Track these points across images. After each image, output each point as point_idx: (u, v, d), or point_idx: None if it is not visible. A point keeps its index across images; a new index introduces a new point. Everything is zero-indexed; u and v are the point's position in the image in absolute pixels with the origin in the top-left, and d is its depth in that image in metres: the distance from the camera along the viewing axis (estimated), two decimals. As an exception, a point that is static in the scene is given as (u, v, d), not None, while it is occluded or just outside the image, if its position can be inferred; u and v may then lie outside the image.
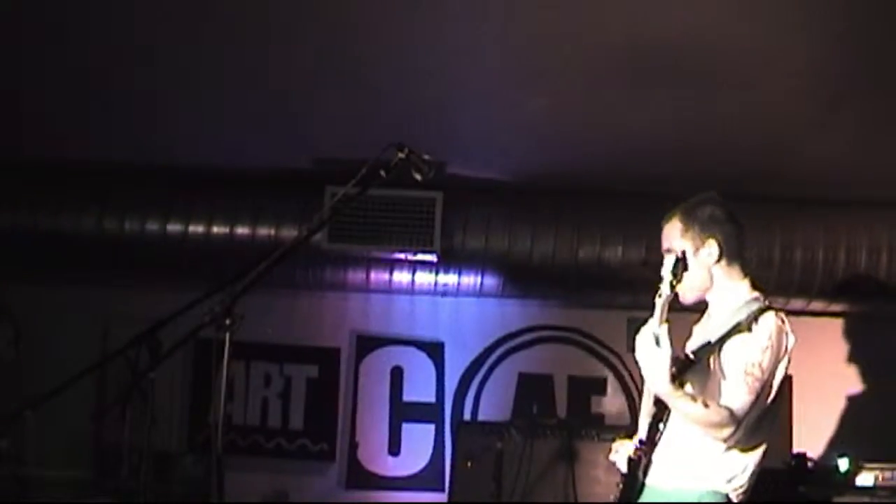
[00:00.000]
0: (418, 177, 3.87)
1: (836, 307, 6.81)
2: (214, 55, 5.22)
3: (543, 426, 6.35)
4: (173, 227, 6.55)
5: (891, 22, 4.62)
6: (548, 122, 5.75)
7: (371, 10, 4.77)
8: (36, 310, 6.70)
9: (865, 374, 6.97)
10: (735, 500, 3.97)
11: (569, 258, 6.47)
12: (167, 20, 4.89)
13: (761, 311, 3.99)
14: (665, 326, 3.78)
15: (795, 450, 6.32)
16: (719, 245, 4.11)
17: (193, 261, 6.58)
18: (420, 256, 6.60)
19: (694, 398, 3.83)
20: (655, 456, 4.00)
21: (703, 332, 4.07)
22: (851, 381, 6.97)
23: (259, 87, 5.52)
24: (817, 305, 6.77)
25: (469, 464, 6.25)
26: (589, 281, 6.52)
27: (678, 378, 3.84)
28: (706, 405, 3.83)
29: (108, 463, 6.40)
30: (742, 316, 3.96)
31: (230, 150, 6.28)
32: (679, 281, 3.81)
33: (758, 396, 3.90)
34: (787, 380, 6.85)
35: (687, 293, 4.10)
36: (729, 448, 3.93)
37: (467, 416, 7.18)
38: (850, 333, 7.00)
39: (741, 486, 3.98)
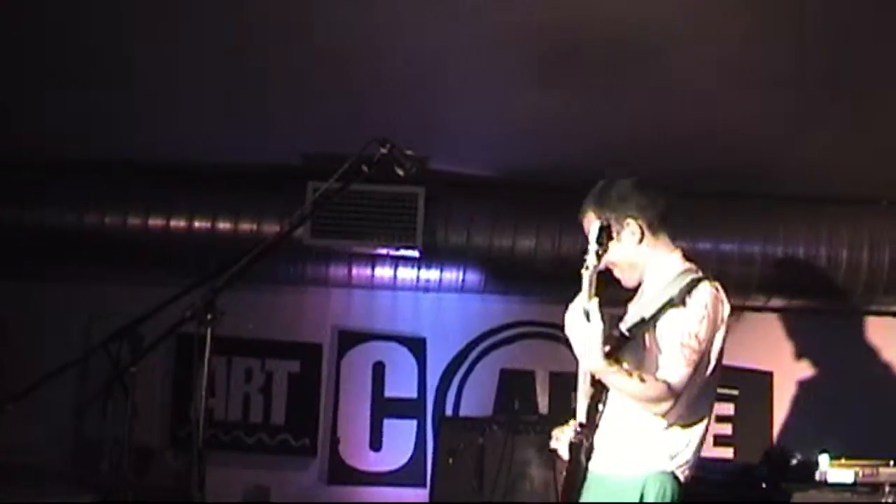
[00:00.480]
0: (401, 172, 3.87)
1: (816, 304, 6.83)
2: (196, 51, 5.21)
3: (525, 422, 6.36)
4: (155, 222, 6.54)
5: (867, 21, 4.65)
6: (530, 119, 5.76)
7: (353, 7, 4.77)
8: (17, 305, 6.71)
9: (846, 371, 7.00)
10: (681, 477, 3.94)
11: (551, 254, 6.48)
12: (148, 17, 4.88)
13: (695, 281, 3.99)
14: (595, 301, 3.76)
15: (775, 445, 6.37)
16: (637, 223, 4.08)
17: (175, 256, 6.57)
18: (402, 252, 6.61)
19: (630, 373, 3.80)
20: (597, 439, 3.95)
21: (637, 309, 4.02)
22: (832, 378, 6.99)
23: (241, 82, 5.51)
24: (798, 303, 6.80)
25: (451, 459, 6.26)
26: (571, 277, 6.51)
27: (614, 355, 3.81)
28: (642, 380, 3.80)
29: (90, 457, 6.40)
30: (675, 289, 3.94)
31: (212, 145, 6.26)
32: (605, 251, 3.78)
33: (696, 368, 3.88)
34: (767, 376, 6.99)
35: (627, 278, 4.10)
36: (670, 425, 3.91)
37: (449, 411, 7.18)
38: (830, 330, 7.03)
39: (685, 463, 3.96)
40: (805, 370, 7.00)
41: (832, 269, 6.53)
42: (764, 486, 5.52)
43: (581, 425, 3.95)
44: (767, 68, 5.18)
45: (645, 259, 4.11)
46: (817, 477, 5.51)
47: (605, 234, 3.81)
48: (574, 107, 5.62)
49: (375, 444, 7.20)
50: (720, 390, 6.83)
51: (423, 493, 6.71)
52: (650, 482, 3.91)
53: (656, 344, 3.91)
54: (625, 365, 3.83)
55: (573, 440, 3.98)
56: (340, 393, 7.25)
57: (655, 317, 3.92)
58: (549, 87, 5.45)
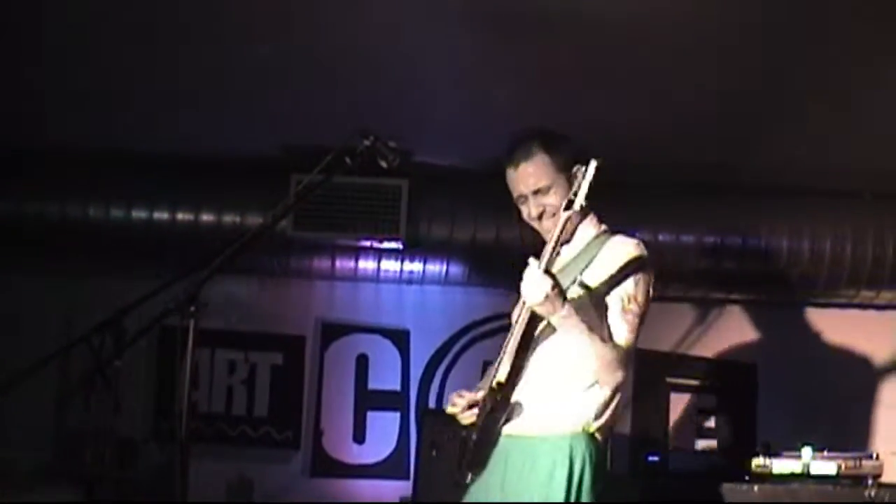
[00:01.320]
0: (384, 164, 3.87)
1: (800, 297, 6.85)
2: (179, 46, 5.21)
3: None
4: (138, 214, 6.52)
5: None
6: (513, 112, 5.75)
7: (336, 1, 4.77)
8: (-2, 297, 6.70)
9: (830, 364, 7.03)
10: (599, 438, 3.93)
11: (534, 246, 6.46)
12: (128, 9, 4.87)
13: (621, 243, 3.97)
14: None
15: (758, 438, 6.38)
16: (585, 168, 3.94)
17: (158, 248, 6.55)
18: (385, 244, 6.61)
19: (591, 328, 3.78)
20: (517, 400, 3.92)
21: (561, 272, 3.94)
22: (816, 371, 7.01)
23: (224, 76, 5.50)
24: (781, 296, 6.82)
25: (434, 452, 6.25)
26: (554, 269, 6.53)
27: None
28: (604, 340, 3.80)
29: (72, 449, 6.38)
30: (602, 251, 3.92)
31: (194, 137, 6.25)
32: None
33: (638, 333, 3.90)
34: (751, 368, 7.00)
35: (548, 227, 3.99)
36: (591, 386, 3.89)
37: (432, 403, 7.17)
38: (814, 323, 7.06)
39: (606, 424, 3.96)
40: (788, 363, 7.02)
41: (815, 262, 6.55)
42: (747, 478, 5.54)
43: (500, 385, 3.92)
44: (747, 60, 5.19)
45: (578, 216, 3.99)
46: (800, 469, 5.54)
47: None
48: (555, 100, 5.62)
49: (359, 436, 7.20)
50: (703, 383, 6.94)
51: (406, 486, 6.70)
52: (575, 443, 3.88)
53: (594, 307, 3.88)
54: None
55: (488, 400, 3.95)
56: (324, 385, 7.25)
57: (589, 279, 3.89)
58: (532, 80, 5.45)
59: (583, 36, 5.02)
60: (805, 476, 5.55)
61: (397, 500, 6.71)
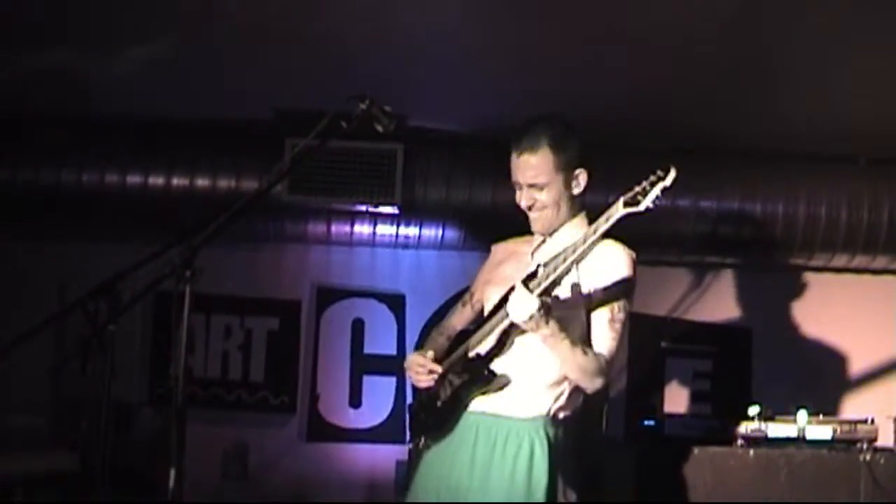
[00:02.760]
0: (379, 129, 3.85)
1: (794, 261, 6.84)
2: (174, 9, 5.18)
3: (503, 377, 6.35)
4: (133, 180, 6.50)
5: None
6: (508, 75, 5.74)
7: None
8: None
9: (825, 329, 7.04)
10: (561, 417, 4.03)
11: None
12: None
13: (615, 248, 4.01)
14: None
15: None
16: (585, 175, 4.09)
17: (153, 213, 6.54)
18: (381, 209, 6.60)
19: (575, 342, 3.86)
20: (490, 380, 4.01)
21: (549, 266, 3.97)
22: (811, 335, 7.03)
23: (219, 39, 5.47)
24: (776, 260, 6.81)
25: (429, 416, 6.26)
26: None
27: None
28: (585, 352, 3.88)
29: (68, 415, 6.39)
30: (595, 255, 3.94)
31: (190, 101, 6.23)
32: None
33: (622, 338, 3.98)
34: (746, 332, 7.01)
35: (543, 224, 4.09)
36: (564, 380, 4.00)
37: (428, 368, 7.17)
38: (809, 287, 7.06)
39: (571, 407, 4.06)
40: (784, 327, 7.03)
41: (811, 227, 6.55)
42: (741, 442, 5.55)
43: (479, 357, 4.03)
44: (746, 26, 5.17)
45: (569, 213, 4.11)
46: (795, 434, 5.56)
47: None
48: (553, 63, 5.60)
49: (355, 400, 7.20)
50: (699, 347, 6.95)
51: (402, 450, 6.70)
52: (547, 426, 3.98)
53: (584, 314, 3.96)
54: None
55: (460, 370, 4.06)
56: (319, 350, 7.24)
57: (580, 283, 3.93)
58: (527, 43, 5.43)
59: (581, 3, 5.00)
60: (800, 440, 5.57)
61: (393, 464, 6.74)
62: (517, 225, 6.49)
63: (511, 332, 3.98)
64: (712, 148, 6.62)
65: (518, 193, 4.10)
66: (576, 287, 3.93)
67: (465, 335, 4.27)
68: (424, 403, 4.20)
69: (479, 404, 4.04)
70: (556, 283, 3.86)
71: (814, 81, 5.69)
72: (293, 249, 7.15)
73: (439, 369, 4.10)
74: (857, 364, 7.01)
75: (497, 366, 4.02)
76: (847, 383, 6.95)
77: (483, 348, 4.04)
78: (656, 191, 3.65)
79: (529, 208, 4.06)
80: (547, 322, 3.78)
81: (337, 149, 6.13)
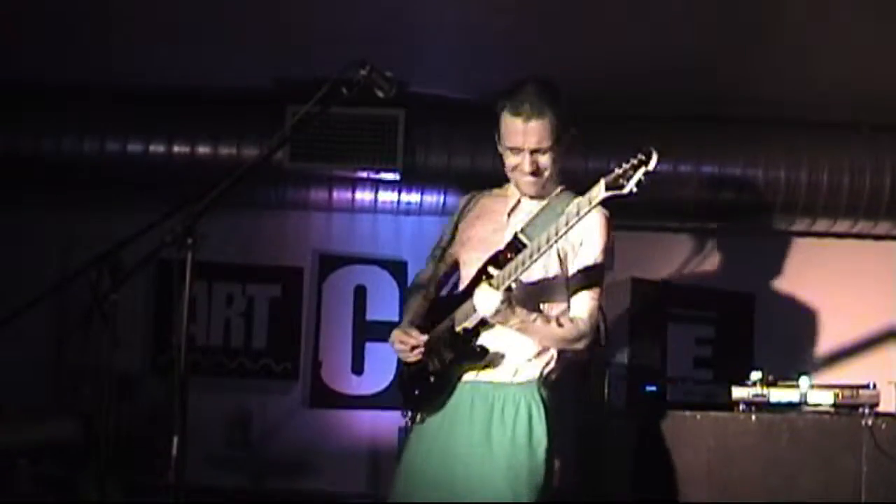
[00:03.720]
0: (380, 95, 3.84)
1: (796, 227, 6.84)
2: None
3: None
4: (133, 147, 6.49)
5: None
6: (511, 41, 5.72)
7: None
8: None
9: (829, 294, 7.04)
10: (553, 379, 4.09)
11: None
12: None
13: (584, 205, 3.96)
14: None
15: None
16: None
17: (154, 181, 6.53)
18: (382, 175, 6.59)
19: (547, 319, 3.93)
20: (479, 350, 4.04)
21: (529, 228, 4.05)
22: (814, 301, 7.03)
23: (218, 6, 5.46)
24: (779, 224, 6.80)
25: (433, 380, 6.26)
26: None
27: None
28: (560, 324, 3.95)
29: (70, 383, 6.40)
30: (568, 212, 3.90)
31: (190, 68, 6.22)
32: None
33: (601, 295, 4.02)
34: (749, 298, 7.01)
35: (537, 188, 4.12)
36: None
37: (430, 334, 7.18)
38: (812, 253, 7.06)
39: (558, 368, 4.10)
40: (786, 293, 7.03)
41: (813, 193, 6.54)
42: (742, 408, 5.56)
43: (466, 331, 4.05)
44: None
45: (557, 176, 4.14)
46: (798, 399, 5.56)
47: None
48: (555, 29, 5.58)
49: (357, 367, 7.21)
50: (701, 313, 6.95)
51: (404, 417, 6.73)
52: (542, 388, 4.05)
53: (562, 274, 4.03)
54: (544, 308, 3.97)
55: (449, 345, 4.09)
56: (322, 317, 7.25)
57: (555, 243, 3.93)
58: (530, 8, 5.41)
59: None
60: (802, 405, 5.57)
61: (396, 431, 6.75)
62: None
63: None
64: (714, 114, 6.60)
65: (515, 159, 4.10)
66: (554, 252, 3.99)
67: (447, 302, 4.30)
68: (415, 377, 4.22)
69: (472, 375, 4.09)
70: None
71: (816, 47, 5.67)
72: (295, 216, 7.15)
73: (423, 340, 4.15)
74: (859, 330, 7.01)
75: (485, 339, 4.05)
76: (849, 349, 6.95)
77: (469, 323, 4.05)
78: (639, 175, 3.64)
79: (533, 173, 4.05)
80: (514, 311, 3.86)
81: (338, 115, 6.13)
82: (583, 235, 4.04)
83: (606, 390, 6.02)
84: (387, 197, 6.86)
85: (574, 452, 5.68)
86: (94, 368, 3.39)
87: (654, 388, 5.89)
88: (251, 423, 7.02)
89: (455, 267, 4.40)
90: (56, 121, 6.51)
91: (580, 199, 3.76)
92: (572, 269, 4.05)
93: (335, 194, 6.84)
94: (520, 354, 4.04)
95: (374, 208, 6.98)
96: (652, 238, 7.06)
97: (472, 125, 6.55)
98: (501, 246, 4.06)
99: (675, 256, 7.10)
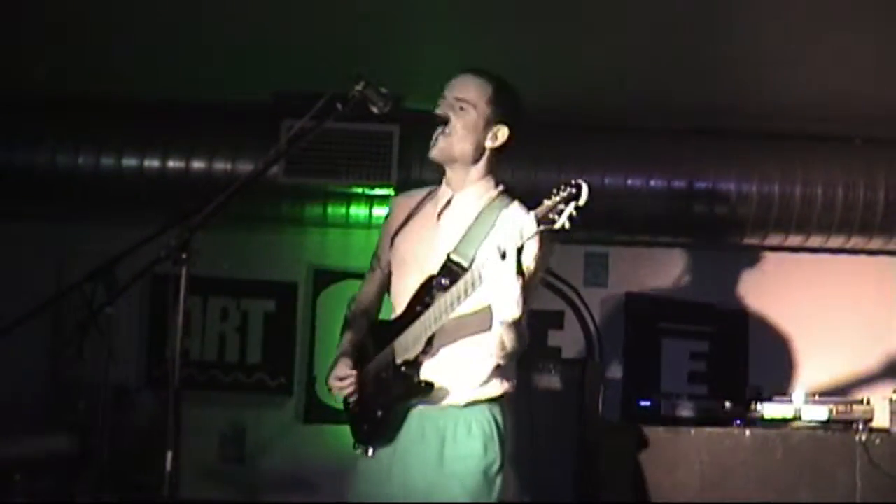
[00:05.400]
0: (375, 110, 3.85)
1: (791, 242, 6.85)
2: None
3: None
4: (128, 162, 6.50)
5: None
6: (505, 56, 5.73)
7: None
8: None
9: (822, 310, 7.05)
10: (498, 396, 3.97)
11: (525, 189, 6.46)
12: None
13: (520, 217, 3.83)
14: None
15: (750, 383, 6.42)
16: (509, 134, 4.04)
17: (149, 195, 6.54)
18: (377, 190, 6.60)
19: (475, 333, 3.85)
20: (424, 378, 3.91)
21: (462, 231, 3.96)
22: (808, 317, 7.04)
23: (216, 21, 5.47)
24: (773, 240, 6.82)
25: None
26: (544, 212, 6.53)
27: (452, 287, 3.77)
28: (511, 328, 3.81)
29: (65, 397, 6.40)
30: (502, 220, 3.89)
31: (186, 83, 6.22)
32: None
33: (528, 301, 3.84)
34: (743, 314, 7.02)
35: (446, 153, 4.04)
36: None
37: (424, 350, 7.17)
38: (806, 269, 7.07)
39: (503, 385, 3.98)
40: (780, 308, 7.05)
41: (807, 208, 6.55)
42: (738, 422, 5.56)
43: (408, 363, 3.90)
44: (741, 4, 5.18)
45: (480, 170, 4.07)
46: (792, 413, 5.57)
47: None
48: (549, 43, 5.60)
49: (351, 383, 7.20)
50: (695, 328, 6.95)
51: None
52: (492, 408, 3.94)
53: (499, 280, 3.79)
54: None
55: (393, 377, 3.93)
56: (316, 332, 7.25)
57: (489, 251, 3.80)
58: (524, 24, 5.43)
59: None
60: (797, 420, 5.59)
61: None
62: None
63: (433, 336, 3.88)
64: (707, 128, 6.62)
65: (438, 109, 4.04)
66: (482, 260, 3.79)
67: (383, 329, 4.13)
68: (363, 413, 4.10)
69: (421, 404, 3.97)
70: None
71: (810, 62, 5.69)
72: (289, 231, 7.15)
73: (352, 374, 4.06)
74: (854, 345, 7.01)
75: (430, 368, 3.90)
76: (843, 364, 6.96)
77: (410, 356, 3.90)
78: (570, 209, 3.45)
79: (445, 122, 3.99)
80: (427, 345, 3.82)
81: (333, 130, 6.08)
82: (516, 244, 3.90)
83: (601, 405, 6.02)
84: (382, 212, 6.86)
85: (570, 466, 5.71)
86: (90, 382, 3.40)
87: (648, 403, 5.90)
88: (245, 437, 7.01)
89: (390, 277, 4.27)
90: (49, 135, 6.50)
91: (513, 233, 3.60)
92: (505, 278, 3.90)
93: (330, 209, 6.85)
94: (469, 380, 3.93)
95: (368, 223, 6.98)
96: (646, 253, 7.08)
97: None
98: (433, 264, 3.92)
99: (669, 272, 7.11)
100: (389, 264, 4.24)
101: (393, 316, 4.09)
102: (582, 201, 3.43)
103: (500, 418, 3.97)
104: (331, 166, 6.40)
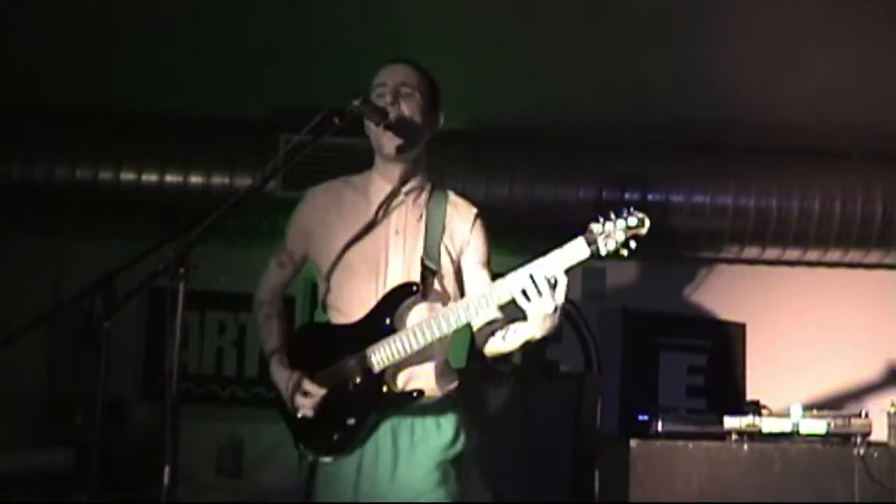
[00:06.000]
0: (373, 126, 3.88)
1: (788, 256, 6.85)
2: (173, 6, 5.19)
3: (498, 373, 6.35)
4: (126, 176, 6.50)
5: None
6: (501, 70, 5.75)
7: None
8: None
9: (820, 323, 7.05)
10: (453, 388, 4.01)
11: (524, 205, 6.47)
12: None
13: (466, 209, 4.00)
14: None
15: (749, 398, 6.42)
16: (440, 121, 4.04)
17: (147, 209, 6.53)
18: (375, 204, 6.59)
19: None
20: (391, 382, 3.87)
21: (418, 232, 3.94)
22: (806, 330, 7.04)
23: (214, 36, 5.48)
24: (771, 254, 6.82)
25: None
26: (544, 227, 6.53)
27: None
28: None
29: (63, 411, 6.39)
30: (450, 216, 3.95)
31: (184, 97, 6.23)
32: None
33: None
34: (740, 327, 7.02)
35: (396, 148, 3.92)
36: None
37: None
38: (804, 282, 7.07)
39: (455, 377, 4.04)
40: (778, 322, 7.05)
41: (804, 221, 6.56)
42: (735, 436, 5.55)
43: (375, 373, 3.84)
44: (739, 21, 5.19)
45: (422, 159, 4.06)
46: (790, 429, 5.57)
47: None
48: (546, 58, 5.61)
49: (349, 396, 7.20)
50: (693, 342, 6.95)
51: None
52: (450, 402, 3.98)
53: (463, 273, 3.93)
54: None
55: (359, 384, 3.85)
56: (313, 346, 7.24)
57: (449, 247, 3.91)
58: (519, 38, 5.44)
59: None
60: (794, 434, 5.58)
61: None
62: (511, 219, 6.51)
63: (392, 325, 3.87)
64: (706, 143, 6.62)
65: (377, 100, 3.91)
66: (443, 257, 3.90)
67: (338, 333, 4.03)
68: (330, 423, 3.96)
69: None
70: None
71: (807, 76, 5.70)
72: (287, 245, 7.15)
73: (321, 393, 3.92)
74: (851, 358, 7.02)
75: (394, 373, 3.87)
76: (841, 378, 6.96)
77: (389, 363, 3.83)
78: (627, 238, 3.48)
79: (384, 115, 3.86)
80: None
81: (331, 145, 6.13)
82: (465, 245, 3.96)
83: (599, 419, 6.01)
84: (378, 227, 6.86)
85: (568, 479, 5.70)
86: (87, 395, 3.40)
87: (646, 417, 5.89)
88: (243, 451, 7.00)
89: (300, 268, 4.24)
90: (48, 148, 6.50)
91: (553, 254, 3.61)
92: (478, 273, 3.92)
93: (328, 223, 6.85)
94: (429, 373, 3.92)
95: (366, 237, 6.98)
96: (643, 267, 7.08)
97: (463, 155, 6.57)
98: (395, 269, 3.90)
99: (666, 286, 7.12)
100: (303, 261, 4.25)
101: (339, 320, 4.02)
102: (644, 232, 3.46)
103: (461, 406, 4.00)
104: (329, 180, 6.39)
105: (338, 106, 3.71)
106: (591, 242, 3.52)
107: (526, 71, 5.76)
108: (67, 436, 6.04)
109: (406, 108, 3.91)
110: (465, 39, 5.41)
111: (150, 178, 6.50)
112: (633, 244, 3.47)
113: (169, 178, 6.50)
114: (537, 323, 3.68)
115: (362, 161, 6.37)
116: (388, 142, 3.91)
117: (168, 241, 3.39)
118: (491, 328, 3.94)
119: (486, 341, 4.00)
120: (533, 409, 6.14)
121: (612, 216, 3.51)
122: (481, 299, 3.70)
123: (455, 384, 4.02)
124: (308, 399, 3.94)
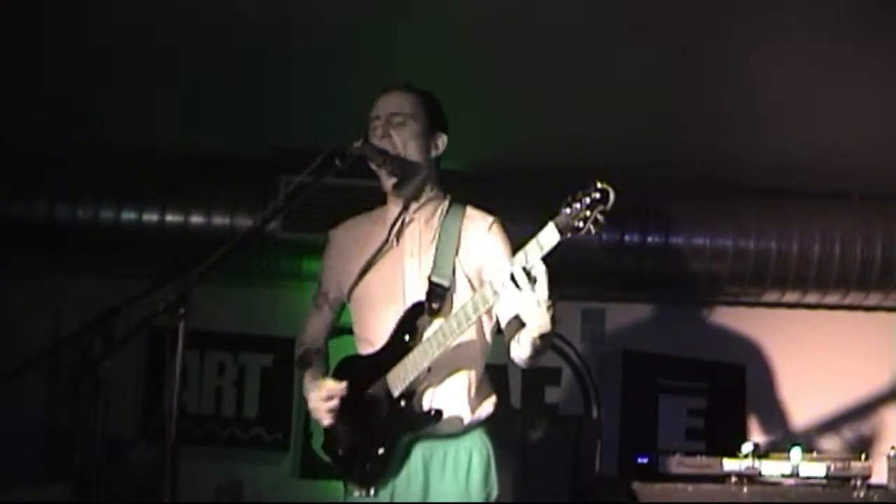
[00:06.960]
0: (374, 166, 3.91)
1: (788, 298, 6.85)
2: (171, 45, 5.21)
3: (497, 415, 6.34)
4: (127, 216, 6.51)
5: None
6: (499, 113, 5.77)
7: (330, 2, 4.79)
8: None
9: (820, 365, 7.04)
10: (485, 417, 3.98)
11: (523, 245, 6.48)
12: (123, 7, 4.88)
13: (484, 222, 4.01)
14: None
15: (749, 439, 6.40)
16: (443, 142, 4.05)
17: (147, 249, 6.54)
18: (375, 246, 6.60)
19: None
20: (421, 408, 3.87)
21: (430, 250, 3.96)
22: (805, 372, 7.03)
23: (215, 77, 5.50)
24: (770, 296, 6.82)
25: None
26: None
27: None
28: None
29: (61, 449, 6.38)
30: (467, 231, 3.97)
31: (185, 137, 6.25)
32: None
33: None
34: (740, 369, 7.02)
35: (394, 183, 3.98)
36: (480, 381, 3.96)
37: (422, 406, 7.16)
38: (804, 324, 7.07)
39: (487, 406, 4.01)
40: (777, 364, 7.04)
41: (804, 264, 6.56)
42: (735, 479, 5.54)
43: (403, 396, 3.84)
44: (736, 61, 5.22)
45: (431, 182, 4.08)
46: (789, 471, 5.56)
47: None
48: (543, 99, 5.63)
49: (348, 438, 7.18)
50: (692, 384, 6.95)
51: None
52: (483, 432, 3.97)
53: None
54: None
55: (384, 409, 3.85)
56: (314, 387, 7.23)
57: (465, 266, 3.90)
58: (517, 82, 5.46)
59: (578, 29, 5.04)
60: (794, 477, 5.57)
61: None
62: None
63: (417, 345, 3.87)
64: (705, 185, 6.64)
65: (373, 133, 3.96)
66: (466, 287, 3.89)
67: (361, 364, 4.06)
68: (360, 454, 3.99)
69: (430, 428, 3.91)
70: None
71: (807, 118, 5.72)
72: (288, 286, 7.14)
73: (342, 387, 3.92)
74: (851, 401, 7.01)
75: (426, 397, 3.88)
76: (841, 420, 6.95)
77: (407, 385, 3.83)
78: (596, 215, 3.42)
79: (383, 153, 3.90)
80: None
81: (332, 186, 6.13)
82: (485, 256, 3.95)
83: (598, 461, 6.01)
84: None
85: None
86: (86, 433, 3.39)
87: (645, 459, 5.88)
88: (242, 492, 6.98)
89: (342, 310, 4.24)
90: (48, 187, 6.53)
91: (528, 245, 3.55)
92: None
93: (328, 264, 6.86)
94: (463, 402, 3.91)
95: (367, 279, 6.98)
96: (643, 310, 7.08)
97: (463, 196, 6.56)
98: (412, 291, 3.91)
99: (666, 328, 7.11)
100: (338, 301, 4.22)
101: (368, 350, 4.03)
102: (609, 206, 3.39)
103: (490, 444, 3.96)
104: (329, 221, 6.40)
105: (339, 147, 3.72)
106: (563, 225, 3.45)
107: (525, 113, 5.78)
108: (67, 473, 6.03)
109: (399, 140, 3.95)
110: (465, 80, 5.41)
111: (151, 217, 6.51)
112: (601, 218, 3.42)
113: (170, 217, 6.52)
114: (529, 320, 3.65)
115: (363, 202, 6.42)
116: (386, 180, 4.00)
117: (169, 281, 3.40)
118: (513, 335, 3.88)
119: (509, 349, 3.95)
120: (531, 451, 6.13)
121: (579, 195, 3.46)
122: (469, 304, 3.68)
123: (491, 407, 3.99)
124: (328, 402, 3.95)
